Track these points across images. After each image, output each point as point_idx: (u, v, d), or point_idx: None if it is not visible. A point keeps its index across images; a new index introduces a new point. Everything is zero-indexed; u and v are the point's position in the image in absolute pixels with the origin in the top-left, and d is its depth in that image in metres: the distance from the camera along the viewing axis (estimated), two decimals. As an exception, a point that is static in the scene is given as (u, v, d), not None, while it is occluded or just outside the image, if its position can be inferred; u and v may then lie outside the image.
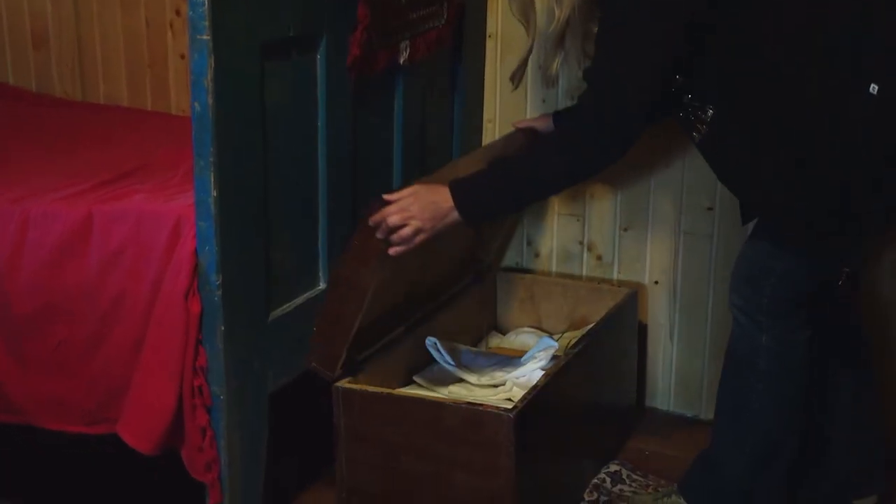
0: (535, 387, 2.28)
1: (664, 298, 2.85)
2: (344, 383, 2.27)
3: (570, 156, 2.10)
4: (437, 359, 2.54)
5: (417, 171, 2.53)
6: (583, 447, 2.54)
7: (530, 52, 2.41)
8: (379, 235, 2.11)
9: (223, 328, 2.08)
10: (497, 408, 2.17)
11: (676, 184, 2.77)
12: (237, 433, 2.16)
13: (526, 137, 2.50)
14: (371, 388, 2.27)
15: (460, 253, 2.74)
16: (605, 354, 2.61)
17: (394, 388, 2.37)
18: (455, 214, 2.12)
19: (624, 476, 2.58)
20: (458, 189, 2.13)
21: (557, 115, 2.52)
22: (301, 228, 2.25)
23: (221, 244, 2.04)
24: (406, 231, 2.11)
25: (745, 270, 2.20)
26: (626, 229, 2.84)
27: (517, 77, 2.46)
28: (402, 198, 2.12)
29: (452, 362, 2.53)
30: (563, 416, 2.38)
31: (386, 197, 2.14)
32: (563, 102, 2.79)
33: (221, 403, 2.11)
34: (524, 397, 2.22)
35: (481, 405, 2.20)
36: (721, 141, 2.11)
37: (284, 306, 2.25)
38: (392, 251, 2.13)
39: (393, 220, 2.10)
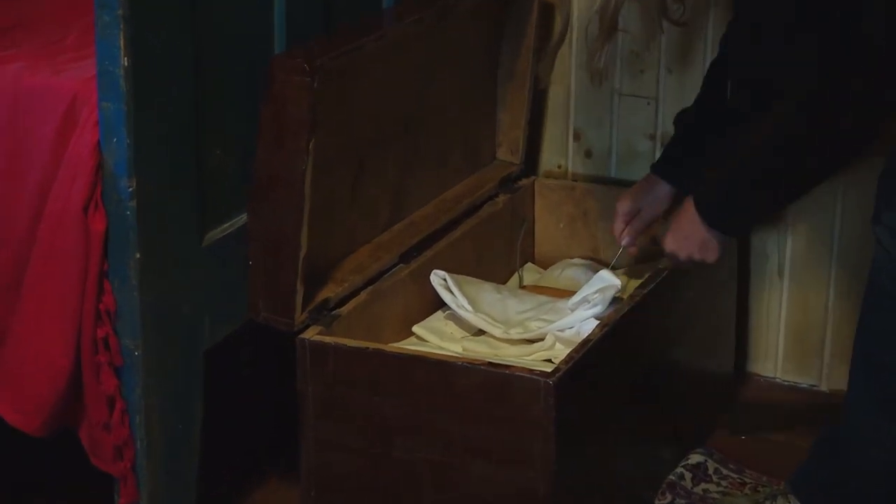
0: (585, 342, 2.29)
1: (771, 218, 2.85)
2: (312, 334, 2.28)
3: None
4: (448, 301, 2.56)
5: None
6: (653, 429, 2.55)
7: (563, 37, 2.56)
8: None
9: (138, 255, 2.09)
10: (531, 371, 2.19)
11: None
12: (159, 405, 2.17)
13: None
14: (351, 342, 2.28)
15: (457, 145, 2.75)
16: (688, 298, 2.61)
17: (384, 343, 2.36)
18: (719, 236, 2.34)
19: (710, 470, 2.60)
20: (701, 203, 2.33)
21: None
22: (250, 111, 2.24)
23: (135, 135, 2.05)
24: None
25: None
26: (718, 118, 2.84)
27: (546, 72, 2.64)
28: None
29: (469, 307, 2.54)
30: (624, 386, 2.39)
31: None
32: None
33: (137, 363, 2.13)
34: (570, 357, 2.24)
35: (509, 367, 2.21)
36: None
37: (225, 225, 2.27)
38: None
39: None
